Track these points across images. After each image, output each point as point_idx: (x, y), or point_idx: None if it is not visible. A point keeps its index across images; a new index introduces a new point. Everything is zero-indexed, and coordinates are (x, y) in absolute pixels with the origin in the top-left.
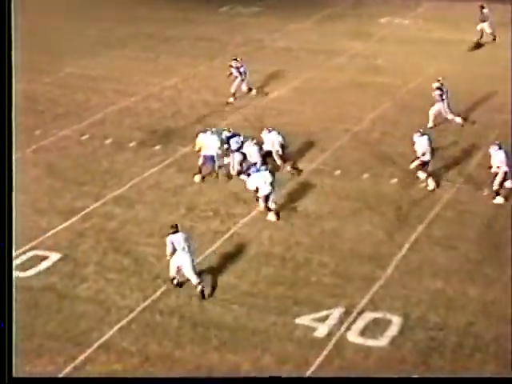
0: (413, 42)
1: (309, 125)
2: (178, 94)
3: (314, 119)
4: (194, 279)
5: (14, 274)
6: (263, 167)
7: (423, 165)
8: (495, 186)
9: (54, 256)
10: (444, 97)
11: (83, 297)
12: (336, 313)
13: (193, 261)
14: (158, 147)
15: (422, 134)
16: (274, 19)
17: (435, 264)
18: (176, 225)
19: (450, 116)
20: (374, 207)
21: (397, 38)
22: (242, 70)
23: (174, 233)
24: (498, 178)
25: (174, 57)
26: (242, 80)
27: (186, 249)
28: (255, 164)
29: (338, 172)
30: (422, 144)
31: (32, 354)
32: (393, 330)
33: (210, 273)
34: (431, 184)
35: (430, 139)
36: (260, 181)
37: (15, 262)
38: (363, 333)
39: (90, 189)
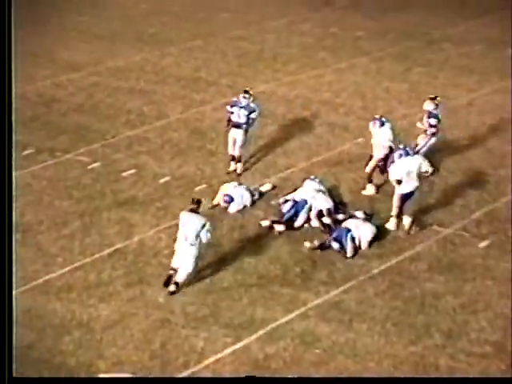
0: None
1: None
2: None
3: None
4: (183, 275)
5: None
6: None
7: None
8: (367, 169)
9: None
10: None
11: None
12: None
13: (197, 258)
14: None
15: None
16: None
17: None
18: (199, 200)
19: None
20: None
21: None
22: (253, 115)
23: (191, 210)
24: (372, 163)
25: (437, 72)
26: (246, 130)
27: (197, 240)
28: None
29: None
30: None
31: None
32: None
33: None
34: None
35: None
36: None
37: None
38: None
39: None
